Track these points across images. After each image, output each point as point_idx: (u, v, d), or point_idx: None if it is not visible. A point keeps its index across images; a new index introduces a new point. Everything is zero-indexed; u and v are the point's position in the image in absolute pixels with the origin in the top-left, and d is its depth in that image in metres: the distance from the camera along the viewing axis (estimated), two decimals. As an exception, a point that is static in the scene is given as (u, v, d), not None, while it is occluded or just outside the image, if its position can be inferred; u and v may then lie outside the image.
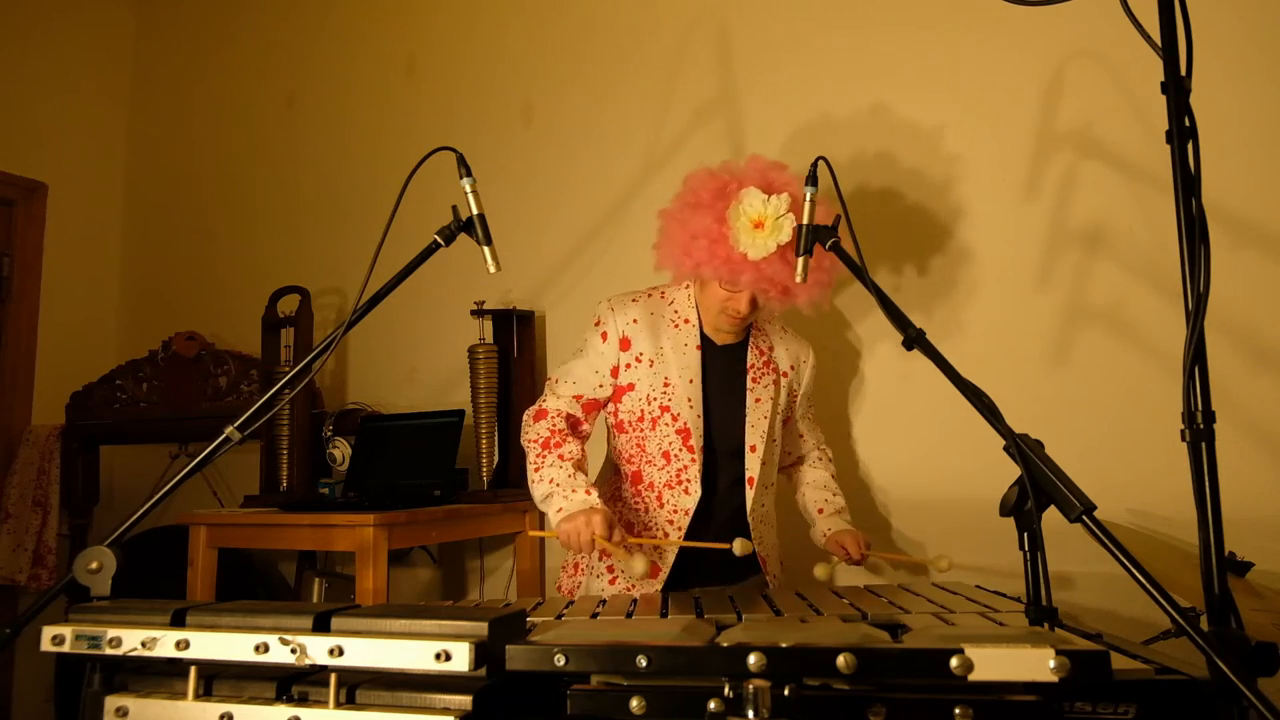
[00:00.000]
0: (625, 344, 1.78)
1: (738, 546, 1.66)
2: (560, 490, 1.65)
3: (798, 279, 1.42)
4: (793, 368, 1.88)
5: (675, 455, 1.75)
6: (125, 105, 3.76)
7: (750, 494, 1.79)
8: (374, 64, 3.17)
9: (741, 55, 2.51)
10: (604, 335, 1.79)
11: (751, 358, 1.83)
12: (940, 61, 2.24)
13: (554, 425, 1.75)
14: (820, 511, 1.91)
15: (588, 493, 1.64)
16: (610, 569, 1.79)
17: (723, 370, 1.80)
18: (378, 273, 1.33)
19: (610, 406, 1.83)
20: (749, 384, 1.81)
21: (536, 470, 1.71)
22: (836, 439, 2.28)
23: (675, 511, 1.75)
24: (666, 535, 1.75)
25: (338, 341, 1.29)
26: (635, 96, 2.65)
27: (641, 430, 1.77)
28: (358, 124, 3.17)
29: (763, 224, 1.56)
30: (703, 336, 1.80)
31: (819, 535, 1.89)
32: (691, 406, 1.75)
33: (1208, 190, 0.95)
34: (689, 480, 1.74)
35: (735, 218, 1.59)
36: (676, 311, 1.81)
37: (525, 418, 1.81)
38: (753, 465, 1.78)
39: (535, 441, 1.74)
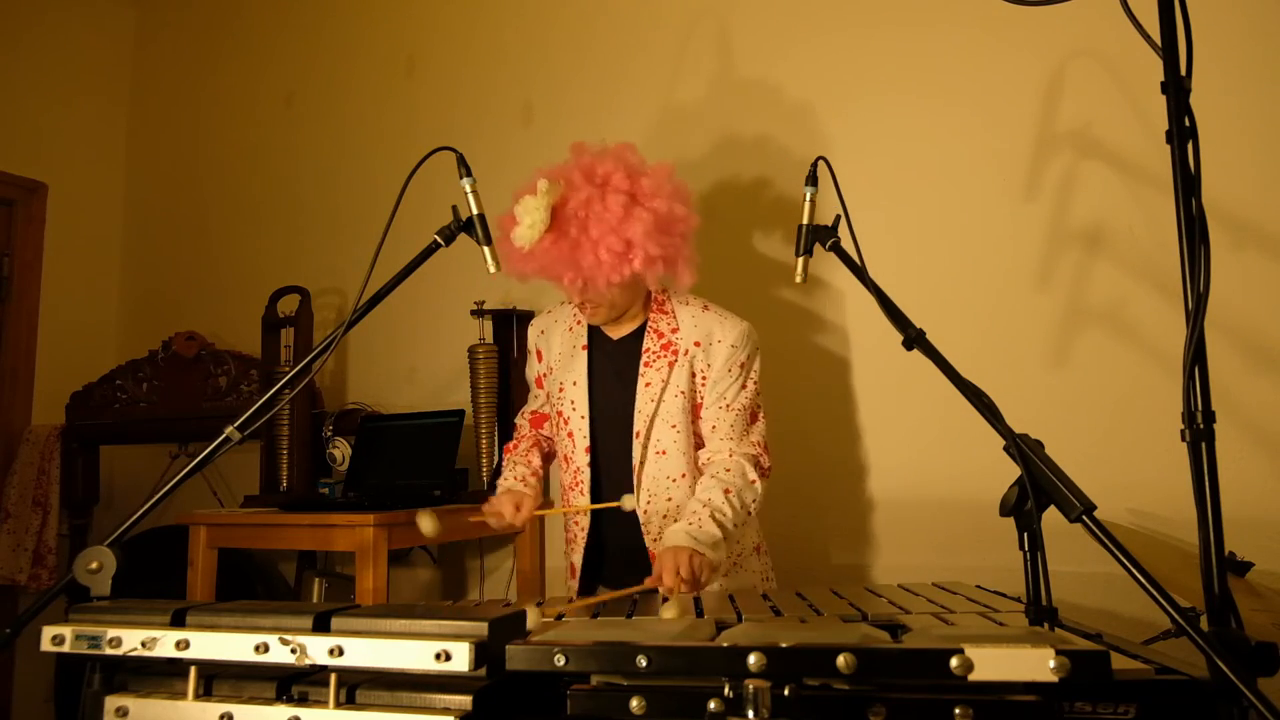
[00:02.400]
0: (539, 355, 1.88)
1: (626, 502, 1.67)
2: (503, 478, 1.81)
3: (797, 279, 1.42)
4: (697, 344, 1.72)
5: (571, 457, 1.79)
6: (125, 105, 3.76)
7: (635, 483, 1.72)
8: (374, 64, 3.17)
9: (741, 55, 2.51)
10: (529, 349, 1.91)
11: (647, 342, 1.76)
12: (940, 61, 2.24)
13: (520, 433, 1.96)
14: (682, 519, 1.60)
15: (514, 479, 1.78)
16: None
17: (616, 362, 1.79)
18: (378, 273, 1.33)
19: None
20: (641, 369, 1.74)
21: (502, 468, 1.88)
22: (836, 439, 2.28)
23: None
24: (576, 538, 1.80)
25: (338, 341, 1.29)
26: (635, 96, 2.65)
27: (554, 436, 1.87)
28: (358, 124, 3.17)
29: (523, 216, 1.57)
30: (595, 335, 1.81)
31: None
32: (575, 408, 1.77)
33: (1208, 190, 0.95)
34: (583, 482, 1.77)
35: (519, 209, 1.59)
36: (573, 315, 1.84)
37: None
38: (638, 452, 1.71)
39: (506, 448, 1.94)
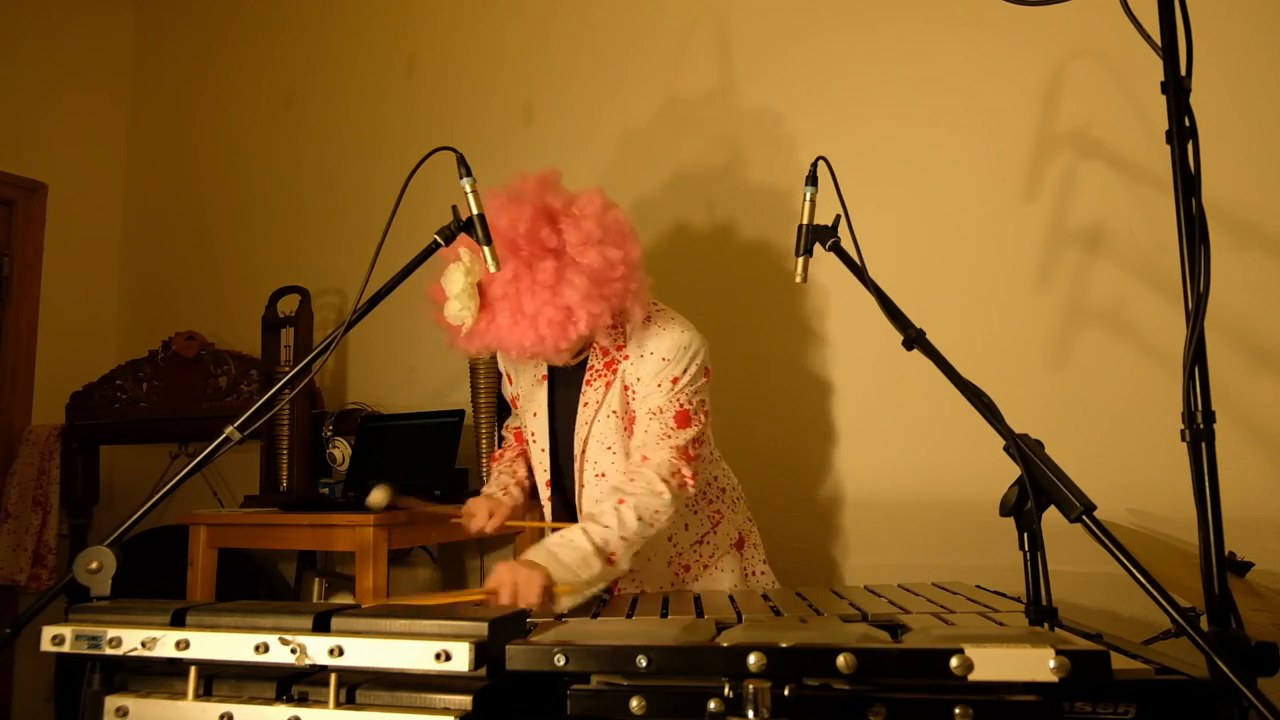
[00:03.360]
0: (509, 379, 1.87)
1: (376, 494, 1.69)
2: (483, 490, 1.85)
3: (797, 279, 1.42)
4: (626, 357, 1.64)
5: (541, 488, 1.79)
6: (125, 105, 3.76)
7: (581, 494, 1.69)
8: (374, 64, 3.17)
9: (741, 54, 2.51)
10: (502, 372, 1.90)
11: (592, 360, 1.67)
12: (940, 61, 2.24)
13: (505, 446, 1.99)
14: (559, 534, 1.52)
15: (496, 487, 1.82)
16: None
17: (570, 387, 1.71)
18: (378, 273, 1.33)
19: None
20: (582, 388, 1.67)
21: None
22: (836, 439, 2.28)
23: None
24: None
25: (338, 341, 1.29)
26: (635, 96, 2.65)
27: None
28: (357, 124, 3.17)
29: (460, 295, 1.50)
30: (549, 367, 1.74)
31: None
32: (536, 441, 1.76)
33: (1208, 190, 0.95)
34: (546, 508, 1.79)
35: (447, 283, 1.52)
36: None
37: None
38: (577, 475, 1.69)
39: (494, 456, 2.00)
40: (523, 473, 1.88)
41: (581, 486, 1.69)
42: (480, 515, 1.72)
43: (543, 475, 1.77)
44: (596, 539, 1.42)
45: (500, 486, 1.82)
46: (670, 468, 1.53)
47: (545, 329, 1.48)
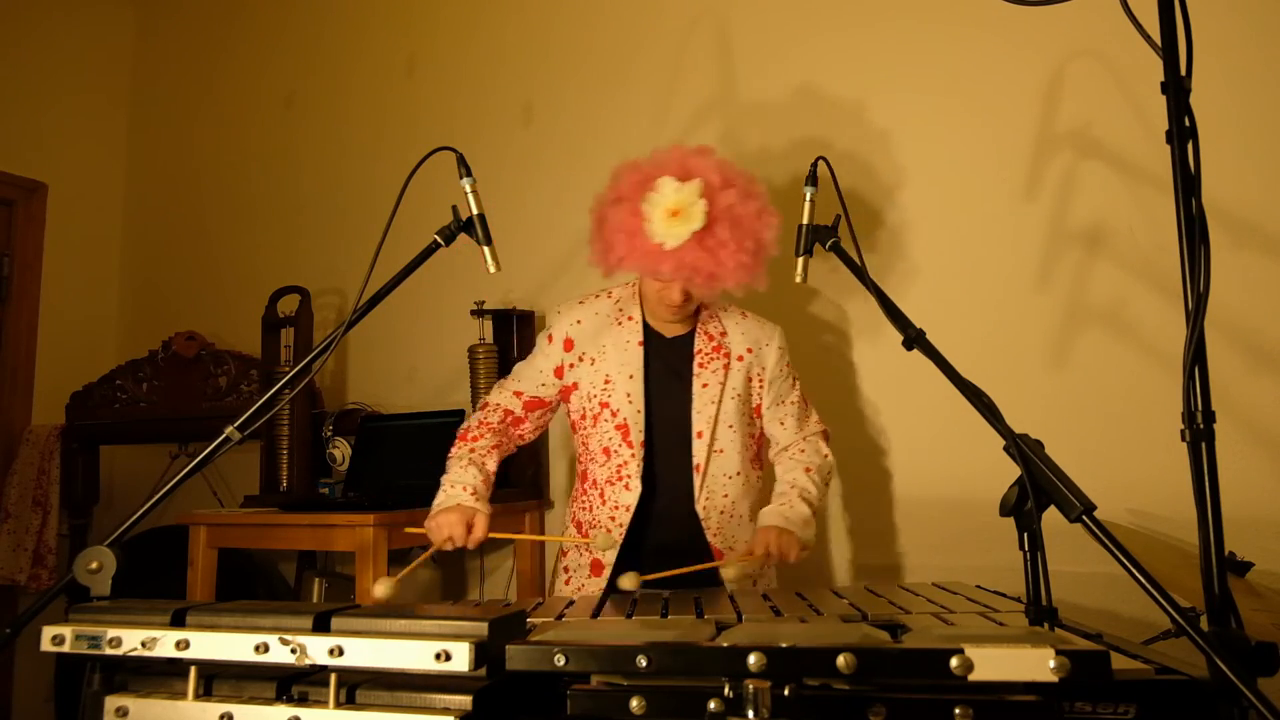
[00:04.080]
0: (569, 345, 1.82)
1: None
2: (445, 485, 1.68)
3: (798, 279, 1.42)
4: (750, 350, 1.81)
5: (615, 451, 1.76)
6: (125, 105, 3.76)
7: (698, 481, 1.75)
8: (374, 64, 3.17)
9: (741, 54, 2.51)
10: (549, 338, 1.84)
11: (699, 343, 1.80)
12: (940, 61, 2.24)
13: (484, 419, 1.81)
14: (773, 501, 1.79)
15: (464, 489, 1.65)
16: (566, 569, 1.84)
17: (670, 361, 1.80)
18: (378, 273, 1.33)
19: (564, 408, 1.86)
20: (695, 369, 1.78)
21: (448, 458, 1.74)
22: (836, 439, 2.28)
23: (616, 508, 1.75)
24: (609, 533, 1.74)
25: (338, 341, 1.29)
26: (635, 96, 2.65)
27: (585, 428, 1.81)
28: (358, 124, 3.17)
29: (678, 212, 1.55)
30: (649, 331, 1.80)
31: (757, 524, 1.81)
32: (631, 402, 1.76)
33: (1208, 190, 0.95)
34: (629, 476, 1.75)
35: (650, 208, 1.57)
36: (621, 309, 1.83)
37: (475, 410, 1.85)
38: (699, 452, 1.75)
39: (461, 432, 1.79)
40: (492, 466, 1.74)
41: (706, 461, 1.75)
42: (458, 532, 1.60)
43: (637, 436, 1.74)
44: (814, 503, 1.74)
45: (467, 487, 1.65)
46: (824, 435, 1.88)
47: (745, 257, 1.58)
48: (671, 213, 1.55)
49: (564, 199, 2.72)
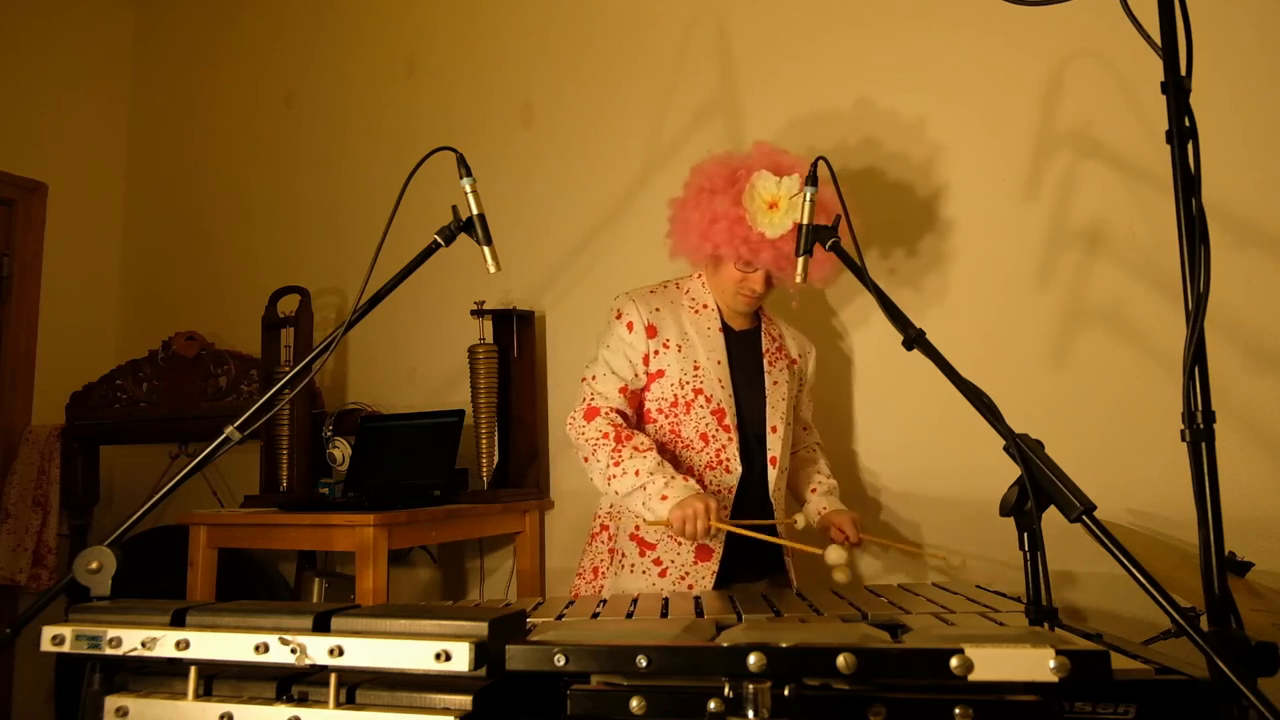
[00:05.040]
0: (652, 331, 1.80)
1: (831, 554, 1.67)
2: (654, 480, 1.65)
3: (798, 279, 1.42)
4: (800, 356, 1.96)
5: (713, 436, 1.78)
6: (125, 105, 3.76)
7: (773, 475, 1.82)
8: (374, 64, 3.17)
9: (741, 55, 2.51)
10: (629, 325, 1.79)
11: (766, 343, 1.89)
12: (940, 61, 2.24)
13: (613, 420, 1.75)
14: (813, 490, 1.94)
15: (685, 479, 1.66)
16: (657, 561, 1.76)
17: (741, 354, 1.86)
18: (378, 273, 1.33)
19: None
20: (766, 367, 1.86)
21: (616, 464, 1.69)
22: (835, 438, 2.28)
23: (719, 491, 1.77)
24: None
25: (338, 341, 1.29)
26: (635, 96, 2.65)
27: (675, 416, 1.79)
28: (357, 124, 3.17)
29: (777, 204, 1.64)
30: (722, 321, 1.85)
31: (812, 514, 1.90)
32: (723, 387, 1.79)
33: (1208, 190, 0.95)
34: (729, 459, 1.78)
35: (750, 200, 1.67)
36: (693, 299, 1.86)
37: (573, 418, 1.79)
38: (774, 446, 1.82)
39: (604, 438, 1.72)
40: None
41: (779, 456, 1.83)
42: (704, 521, 1.60)
43: (733, 420, 1.77)
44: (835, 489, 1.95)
45: (679, 474, 1.67)
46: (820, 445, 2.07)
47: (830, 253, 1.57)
48: (771, 204, 1.65)
49: (564, 199, 2.72)
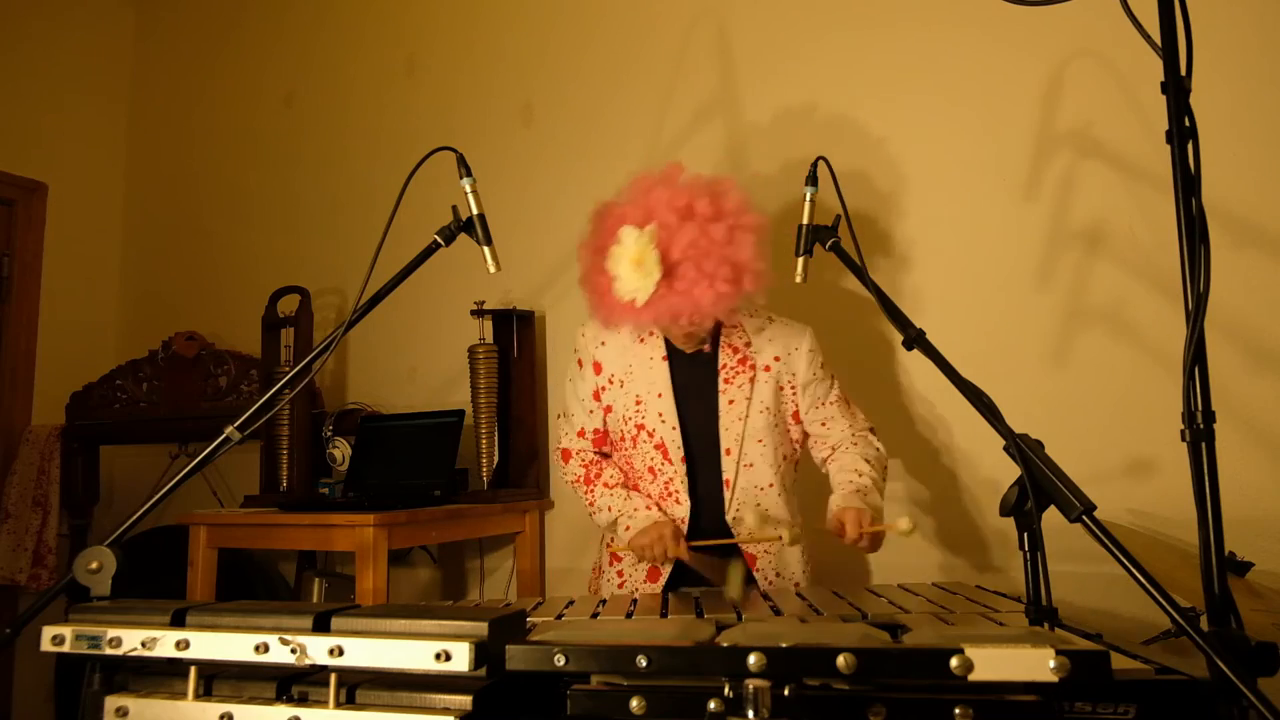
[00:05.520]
0: (597, 368, 1.82)
1: (786, 535, 1.63)
2: (623, 513, 1.76)
3: (797, 279, 1.42)
4: (777, 358, 1.78)
5: (659, 469, 1.76)
6: (125, 105, 3.76)
7: (728, 495, 1.75)
8: (374, 64, 3.17)
9: (741, 55, 2.51)
10: (579, 363, 1.85)
11: (723, 358, 1.77)
12: (940, 61, 2.24)
13: (584, 460, 1.87)
14: (839, 489, 1.79)
15: (649, 508, 1.74)
16: (620, 573, 1.84)
17: (694, 377, 1.77)
18: (378, 273, 1.33)
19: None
20: (721, 385, 1.76)
21: (591, 504, 1.82)
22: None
23: (675, 520, 1.75)
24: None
25: (338, 341, 1.29)
26: (635, 96, 2.65)
27: (625, 449, 1.82)
28: (357, 124, 3.17)
29: (640, 262, 1.51)
30: (671, 347, 1.78)
31: (829, 520, 1.82)
32: (664, 420, 1.75)
33: (1208, 190, 0.95)
34: (676, 491, 1.75)
35: (616, 263, 1.54)
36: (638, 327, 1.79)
37: (554, 458, 1.90)
38: (729, 468, 1.74)
39: (577, 481, 1.86)
40: (634, 488, 1.80)
41: (733, 479, 1.75)
42: (670, 545, 1.66)
43: (676, 453, 1.74)
44: (875, 487, 1.73)
45: (643, 504, 1.74)
46: (871, 429, 1.85)
47: (722, 287, 1.52)
48: (635, 263, 1.51)
49: (564, 199, 2.72)
